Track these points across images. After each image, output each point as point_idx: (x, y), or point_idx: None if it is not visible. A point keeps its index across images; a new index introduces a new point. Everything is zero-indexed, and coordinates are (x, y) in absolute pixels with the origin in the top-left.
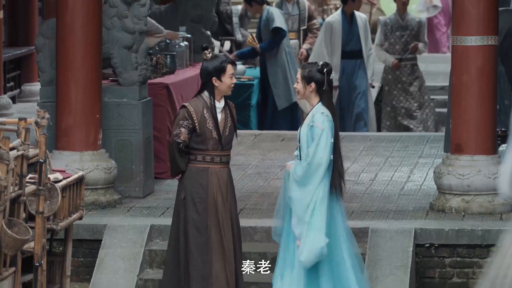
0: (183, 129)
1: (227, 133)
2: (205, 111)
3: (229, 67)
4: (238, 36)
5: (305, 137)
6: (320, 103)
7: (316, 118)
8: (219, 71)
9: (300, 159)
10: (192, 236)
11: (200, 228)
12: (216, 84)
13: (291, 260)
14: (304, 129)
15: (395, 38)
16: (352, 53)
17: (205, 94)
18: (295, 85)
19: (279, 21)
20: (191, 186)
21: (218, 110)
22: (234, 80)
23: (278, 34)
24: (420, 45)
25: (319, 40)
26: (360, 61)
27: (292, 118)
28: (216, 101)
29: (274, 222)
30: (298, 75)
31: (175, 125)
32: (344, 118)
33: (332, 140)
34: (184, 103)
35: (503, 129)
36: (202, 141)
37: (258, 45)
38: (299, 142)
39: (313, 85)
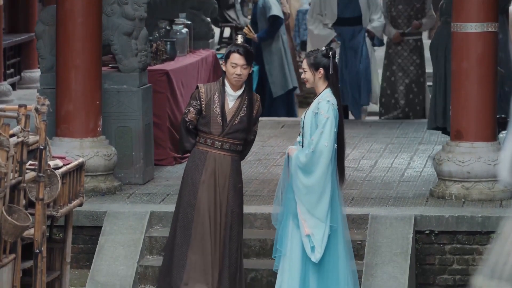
0: (191, 109)
1: (236, 121)
2: (216, 94)
3: (233, 56)
4: (241, 21)
5: (309, 124)
6: (327, 90)
7: (322, 105)
8: (226, 57)
9: (303, 146)
10: (181, 218)
11: (188, 210)
12: (224, 69)
13: (285, 246)
14: (308, 115)
15: (398, 12)
16: (350, 20)
17: (222, 78)
18: (303, 75)
19: (275, 9)
20: (190, 167)
21: (231, 98)
22: (237, 71)
23: (275, 22)
24: (424, 20)
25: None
26: (360, 28)
27: (288, 104)
28: (229, 88)
29: (274, 208)
30: (305, 65)
31: (188, 103)
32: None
33: (336, 129)
34: (199, 83)
35: (503, 115)
36: (206, 124)
37: (255, 35)
38: (303, 129)
39: (321, 70)
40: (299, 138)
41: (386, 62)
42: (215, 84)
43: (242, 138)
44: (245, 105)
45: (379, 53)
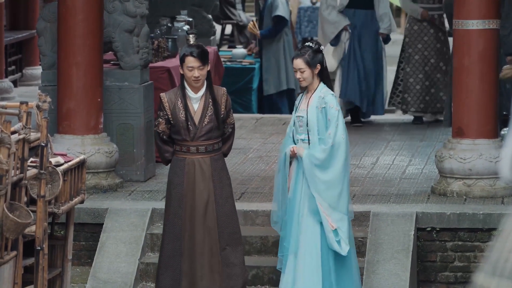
0: (160, 120)
1: (205, 122)
2: (179, 101)
3: (188, 59)
4: (243, 18)
5: (315, 119)
6: (322, 84)
7: (329, 99)
8: (181, 61)
9: (309, 143)
10: (167, 226)
11: (174, 218)
12: (181, 72)
13: (296, 244)
14: (313, 112)
15: None
16: (361, 2)
17: (181, 81)
18: (298, 75)
19: (282, 9)
20: (171, 177)
21: (194, 100)
22: (195, 74)
23: (279, 22)
24: None
25: None
26: (371, 13)
27: (291, 101)
28: (190, 91)
29: (273, 206)
30: (301, 64)
31: (157, 115)
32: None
33: None
34: (161, 93)
35: (504, 113)
36: (177, 131)
37: (258, 32)
38: (307, 126)
39: (319, 66)
40: (302, 136)
41: (407, 40)
42: (177, 90)
43: (217, 136)
44: (210, 103)
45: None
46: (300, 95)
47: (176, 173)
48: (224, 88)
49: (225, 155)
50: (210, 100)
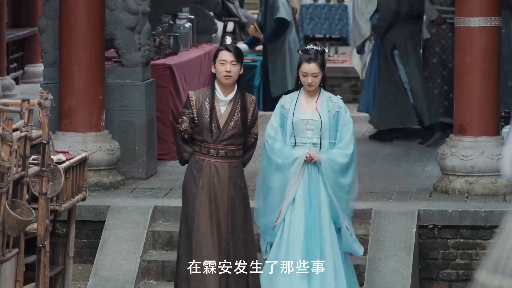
0: (185, 118)
1: (230, 127)
2: (207, 101)
3: (222, 53)
4: (242, 17)
5: (328, 124)
6: (322, 89)
7: (342, 103)
8: (214, 57)
9: (321, 147)
10: (183, 230)
11: (187, 219)
12: (213, 71)
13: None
14: (325, 115)
15: None
16: None
17: (212, 82)
18: (310, 80)
19: (283, 11)
20: (187, 178)
21: (222, 103)
22: (226, 68)
23: (281, 24)
24: None
25: None
26: None
27: None
28: (220, 92)
29: (257, 204)
30: (316, 69)
31: (181, 112)
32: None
33: None
34: (189, 91)
35: (506, 110)
36: (200, 132)
37: (261, 36)
38: (321, 130)
39: (325, 69)
40: (314, 140)
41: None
42: (206, 90)
43: (240, 143)
44: (238, 109)
45: None
46: (292, 97)
47: (193, 175)
48: (254, 96)
49: (243, 165)
50: (239, 105)
